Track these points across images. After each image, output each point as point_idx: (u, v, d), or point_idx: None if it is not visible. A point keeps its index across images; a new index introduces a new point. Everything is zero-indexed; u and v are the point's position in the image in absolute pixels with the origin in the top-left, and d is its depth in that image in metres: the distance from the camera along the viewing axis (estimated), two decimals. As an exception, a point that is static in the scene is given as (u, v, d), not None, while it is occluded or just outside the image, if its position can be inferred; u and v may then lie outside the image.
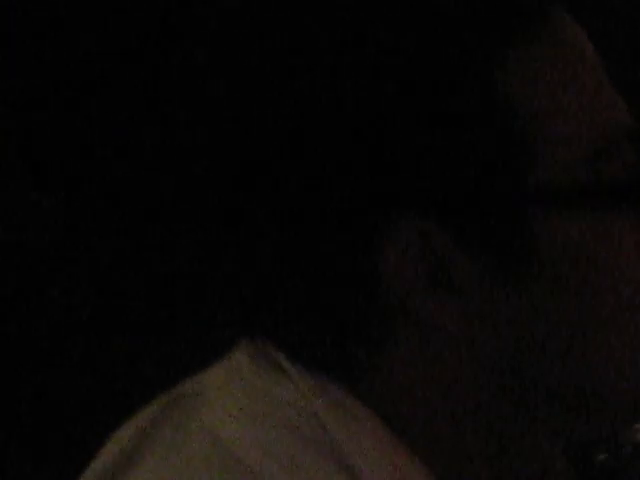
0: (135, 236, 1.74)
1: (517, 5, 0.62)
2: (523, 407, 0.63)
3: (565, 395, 0.63)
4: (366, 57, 0.60)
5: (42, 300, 1.77)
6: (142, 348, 1.68)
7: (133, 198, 1.76)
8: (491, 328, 0.62)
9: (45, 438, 1.67)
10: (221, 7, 1.64)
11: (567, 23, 0.64)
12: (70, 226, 1.80)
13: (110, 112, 1.77)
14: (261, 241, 0.62)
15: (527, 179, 0.60)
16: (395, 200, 0.58)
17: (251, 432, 0.61)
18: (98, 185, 1.80)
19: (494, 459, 0.65)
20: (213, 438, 0.61)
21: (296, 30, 0.62)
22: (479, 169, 0.59)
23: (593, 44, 0.66)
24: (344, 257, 0.60)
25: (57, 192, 1.79)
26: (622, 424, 0.74)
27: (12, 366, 1.71)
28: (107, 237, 1.78)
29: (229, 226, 0.64)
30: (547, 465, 0.67)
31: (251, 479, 0.59)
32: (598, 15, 1.47)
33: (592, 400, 0.63)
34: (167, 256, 1.70)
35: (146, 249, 1.74)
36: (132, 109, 1.77)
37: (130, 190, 1.76)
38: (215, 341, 0.71)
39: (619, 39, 1.77)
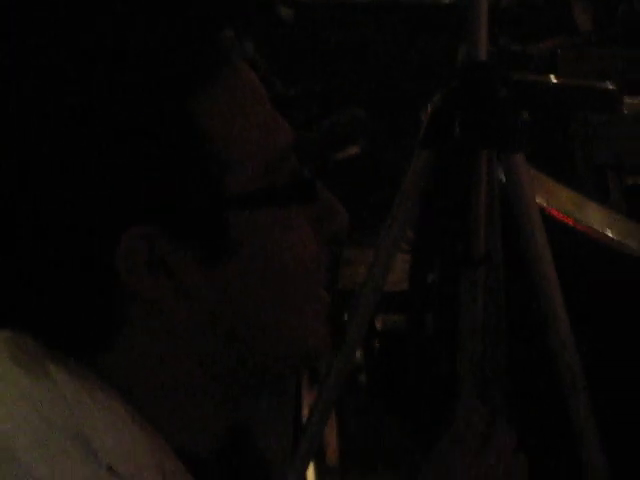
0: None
1: (206, 55, 0.77)
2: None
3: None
4: None
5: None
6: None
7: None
8: (199, 301, 0.77)
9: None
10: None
11: (244, 67, 0.80)
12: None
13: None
14: None
15: (222, 189, 0.76)
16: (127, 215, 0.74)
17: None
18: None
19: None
20: None
21: None
22: (180, 183, 0.75)
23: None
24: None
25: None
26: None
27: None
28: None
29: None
30: None
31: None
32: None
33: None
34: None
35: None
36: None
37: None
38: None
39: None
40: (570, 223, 2.13)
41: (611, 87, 2.89)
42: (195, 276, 0.77)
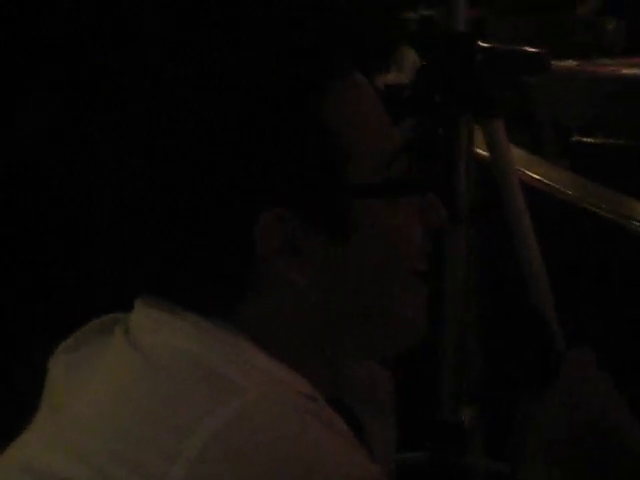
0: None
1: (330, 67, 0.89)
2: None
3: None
4: None
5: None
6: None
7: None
8: (328, 276, 0.88)
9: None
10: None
11: (361, 77, 0.91)
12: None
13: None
14: None
15: (345, 179, 0.88)
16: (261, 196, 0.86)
17: None
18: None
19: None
20: None
21: None
22: (310, 173, 0.86)
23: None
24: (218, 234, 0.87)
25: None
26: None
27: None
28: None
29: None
30: None
31: None
32: None
33: None
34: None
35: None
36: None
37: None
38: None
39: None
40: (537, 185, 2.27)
41: (541, 50, 3.01)
42: (318, 255, 0.88)
